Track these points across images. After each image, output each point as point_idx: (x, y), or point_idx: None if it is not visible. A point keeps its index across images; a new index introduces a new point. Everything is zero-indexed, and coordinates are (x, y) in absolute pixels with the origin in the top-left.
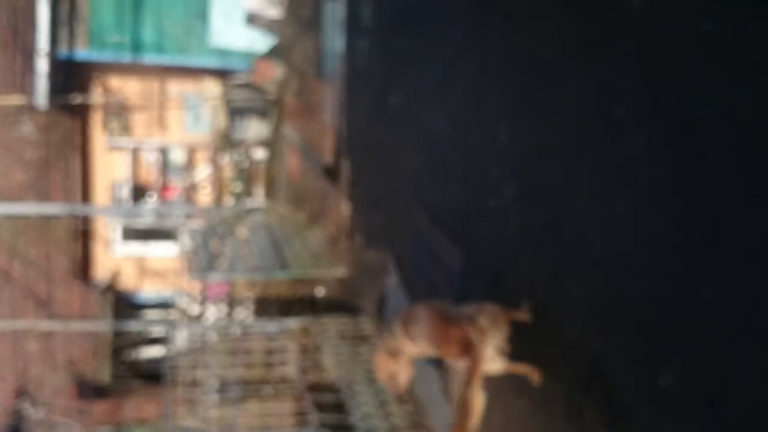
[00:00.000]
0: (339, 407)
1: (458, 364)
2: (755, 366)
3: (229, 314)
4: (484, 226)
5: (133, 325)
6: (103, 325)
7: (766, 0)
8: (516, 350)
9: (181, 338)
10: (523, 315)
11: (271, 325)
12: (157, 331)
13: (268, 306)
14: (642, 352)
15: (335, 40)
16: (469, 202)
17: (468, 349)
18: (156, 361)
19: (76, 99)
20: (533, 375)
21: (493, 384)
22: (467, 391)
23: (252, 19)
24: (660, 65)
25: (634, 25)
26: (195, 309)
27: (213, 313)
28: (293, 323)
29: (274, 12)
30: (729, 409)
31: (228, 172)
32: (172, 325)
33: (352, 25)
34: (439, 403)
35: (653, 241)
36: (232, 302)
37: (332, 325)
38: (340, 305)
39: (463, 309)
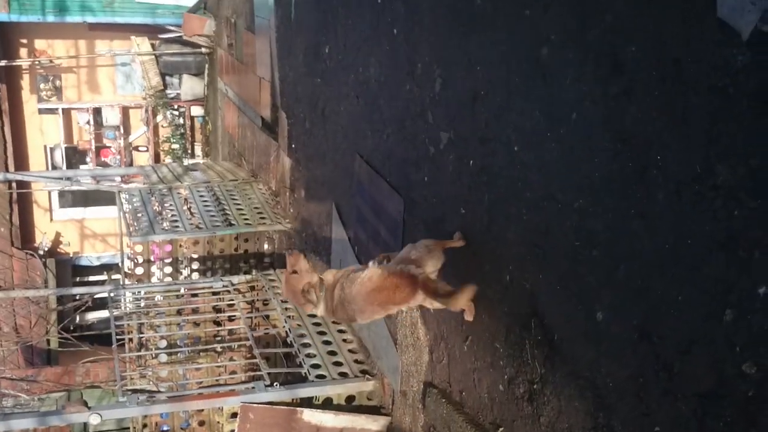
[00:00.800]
0: (289, 359)
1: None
2: (686, 297)
3: (174, 274)
4: (423, 172)
5: (76, 290)
6: (46, 292)
7: None
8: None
9: (127, 300)
10: (457, 242)
11: (218, 283)
12: (101, 293)
13: (213, 264)
14: (577, 288)
15: None
16: (408, 149)
17: (414, 283)
18: (103, 323)
19: (1, 63)
20: (469, 309)
21: (437, 328)
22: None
23: None
24: (586, 3)
25: None
26: (139, 270)
27: (157, 273)
28: (239, 279)
29: None
30: (663, 341)
31: (164, 130)
32: (116, 287)
33: None
34: (388, 351)
35: (583, 179)
36: (176, 262)
37: (279, 278)
38: (285, 258)
39: (399, 257)
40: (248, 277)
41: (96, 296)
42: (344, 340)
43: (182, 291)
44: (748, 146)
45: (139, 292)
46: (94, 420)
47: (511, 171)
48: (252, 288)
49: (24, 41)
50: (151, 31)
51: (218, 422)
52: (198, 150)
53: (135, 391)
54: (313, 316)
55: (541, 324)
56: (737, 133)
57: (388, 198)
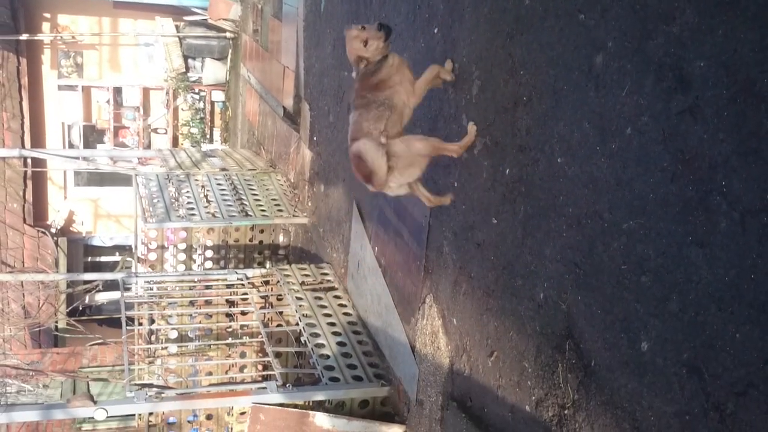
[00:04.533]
0: (302, 358)
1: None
2: (745, 336)
3: (188, 262)
4: (454, 176)
5: (87, 276)
6: (56, 277)
7: None
8: (488, 304)
9: (138, 287)
10: (445, 200)
11: (232, 275)
12: (113, 277)
13: (227, 254)
14: (621, 315)
15: None
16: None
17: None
18: (113, 304)
19: (22, 36)
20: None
21: (459, 339)
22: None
23: None
24: (650, 10)
25: None
26: (152, 256)
27: (171, 260)
28: (254, 272)
29: None
30: (715, 380)
31: (184, 114)
32: (128, 273)
33: None
34: (405, 357)
35: (636, 200)
36: (191, 250)
37: (294, 273)
38: (302, 253)
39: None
40: (263, 270)
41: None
42: (359, 342)
43: (196, 281)
44: None
45: (152, 279)
46: (99, 415)
47: (553, 184)
48: (266, 282)
49: (47, 15)
50: (176, 12)
51: (227, 421)
52: (217, 136)
53: (143, 385)
54: (328, 314)
55: (577, 347)
56: None
57: (414, 200)
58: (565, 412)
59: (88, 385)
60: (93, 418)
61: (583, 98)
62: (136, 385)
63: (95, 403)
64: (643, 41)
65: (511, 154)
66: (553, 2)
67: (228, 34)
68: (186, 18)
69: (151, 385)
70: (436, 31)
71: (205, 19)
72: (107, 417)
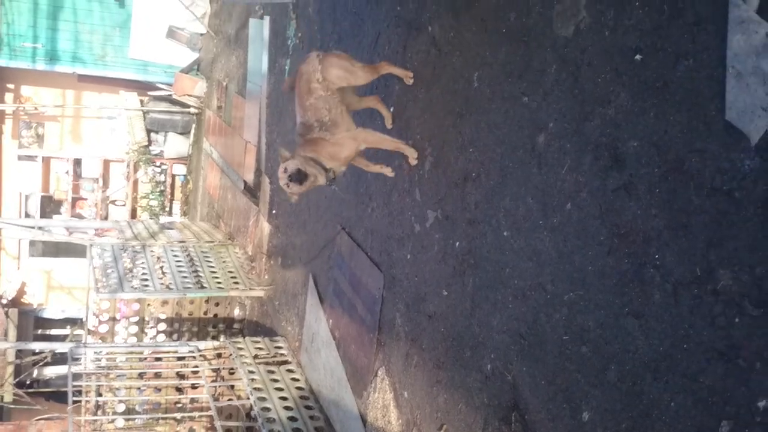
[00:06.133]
0: None
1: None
2: (680, 405)
3: (140, 334)
4: (407, 249)
5: (36, 345)
6: (4, 345)
7: (694, 39)
8: (438, 376)
9: (88, 358)
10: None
11: (184, 347)
12: (62, 350)
13: (181, 327)
14: (564, 385)
15: (260, 58)
16: (392, 225)
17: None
18: (61, 379)
19: None
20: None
21: (410, 413)
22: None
23: (173, 34)
24: (587, 94)
25: (563, 54)
26: (103, 328)
27: (122, 332)
28: (206, 345)
29: (197, 27)
30: None
31: (144, 186)
32: (78, 344)
33: (278, 44)
34: (353, 427)
35: (576, 272)
36: (143, 322)
37: (247, 346)
38: (257, 326)
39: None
40: (216, 343)
41: (56, 351)
42: (311, 417)
43: (146, 353)
44: (754, 253)
45: (101, 351)
46: None
47: (500, 256)
48: (219, 355)
49: (11, 86)
50: (141, 87)
51: None
52: (176, 208)
53: None
54: (280, 389)
55: (522, 419)
56: (742, 239)
57: (369, 273)
58: None
59: None
60: None
61: (527, 175)
62: None
63: None
64: (582, 122)
65: (461, 228)
66: (499, 85)
67: (192, 110)
68: (150, 93)
69: None
70: (392, 109)
71: (170, 95)
72: None
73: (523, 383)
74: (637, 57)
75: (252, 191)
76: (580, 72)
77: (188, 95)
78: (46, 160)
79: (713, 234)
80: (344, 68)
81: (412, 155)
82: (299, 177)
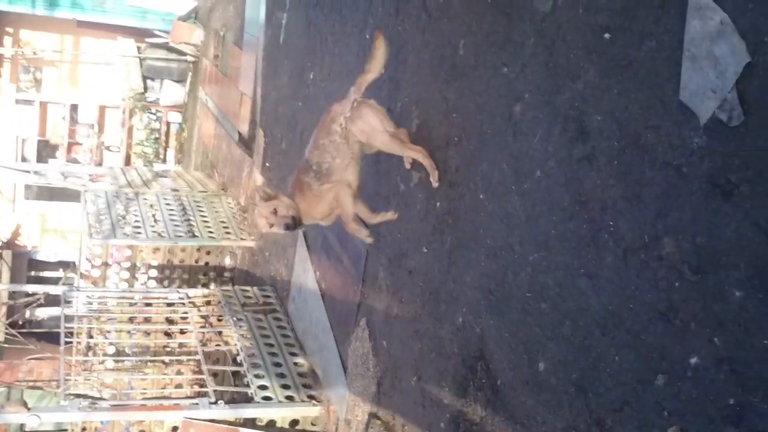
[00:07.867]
0: (237, 378)
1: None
2: (623, 359)
3: (131, 280)
4: (392, 207)
5: (30, 287)
6: None
7: (657, 21)
8: (415, 327)
9: (80, 301)
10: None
11: (174, 294)
12: (55, 291)
13: (172, 273)
14: (524, 338)
15: (257, 9)
16: (380, 183)
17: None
18: (54, 320)
19: None
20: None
21: (388, 360)
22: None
23: None
24: (560, 68)
25: (540, 28)
26: (95, 272)
27: (114, 277)
28: (196, 292)
29: None
30: (598, 398)
31: (139, 133)
32: (70, 287)
33: None
34: (337, 378)
35: (541, 235)
36: (134, 269)
37: (236, 294)
38: (247, 275)
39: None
40: (205, 291)
41: (49, 294)
42: (296, 364)
43: (136, 299)
44: (696, 224)
45: (93, 295)
46: (32, 422)
47: (475, 217)
48: (208, 302)
49: (10, 30)
50: (138, 33)
51: None
52: (171, 156)
53: (78, 395)
54: (267, 336)
55: (487, 368)
56: (686, 211)
57: None
58: (474, 428)
59: (22, 393)
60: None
61: (503, 142)
62: (70, 395)
63: (29, 409)
64: (553, 95)
65: (443, 189)
66: (482, 54)
67: (188, 58)
68: (148, 40)
69: (85, 396)
70: (383, 70)
71: (167, 42)
72: (40, 424)
73: (490, 335)
74: (606, 36)
75: (246, 142)
76: (555, 47)
77: (185, 43)
78: (44, 105)
79: (662, 205)
80: (372, 126)
81: (369, 240)
82: (294, 224)
